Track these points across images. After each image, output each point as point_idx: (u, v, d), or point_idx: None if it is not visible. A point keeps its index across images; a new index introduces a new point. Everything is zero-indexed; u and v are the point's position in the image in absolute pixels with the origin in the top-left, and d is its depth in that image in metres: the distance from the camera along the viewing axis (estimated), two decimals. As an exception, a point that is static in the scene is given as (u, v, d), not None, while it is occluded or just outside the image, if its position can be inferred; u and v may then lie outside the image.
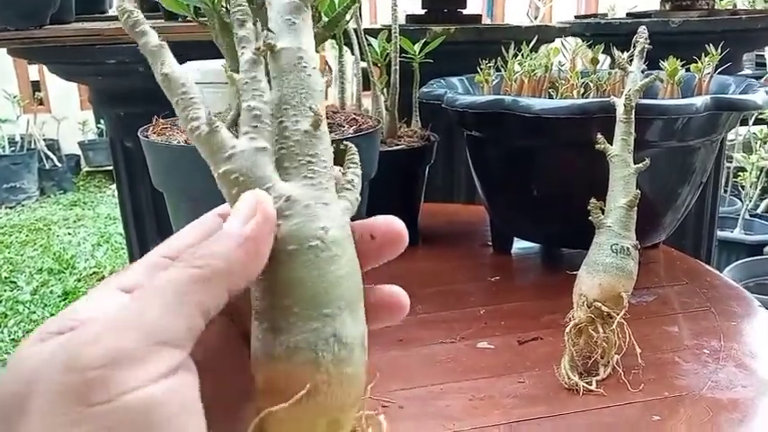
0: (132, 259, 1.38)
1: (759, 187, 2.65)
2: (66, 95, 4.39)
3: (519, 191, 0.80)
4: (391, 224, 0.27)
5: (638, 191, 0.60)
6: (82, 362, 0.19)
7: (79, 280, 2.77)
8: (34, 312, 2.46)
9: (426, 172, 0.95)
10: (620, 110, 0.63)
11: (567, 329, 0.58)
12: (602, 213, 0.61)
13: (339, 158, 0.30)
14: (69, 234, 3.38)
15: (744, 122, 2.64)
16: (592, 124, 0.68)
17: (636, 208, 0.60)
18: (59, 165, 4.17)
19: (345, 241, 0.26)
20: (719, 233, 2.19)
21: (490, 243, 0.93)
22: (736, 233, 2.46)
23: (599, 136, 0.63)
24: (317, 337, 0.24)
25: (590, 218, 0.61)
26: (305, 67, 0.28)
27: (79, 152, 4.49)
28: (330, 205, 0.27)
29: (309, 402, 0.24)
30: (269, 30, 0.28)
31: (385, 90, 0.90)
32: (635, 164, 0.61)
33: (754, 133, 2.66)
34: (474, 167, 0.86)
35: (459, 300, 0.75)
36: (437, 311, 0.72)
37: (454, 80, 0.90)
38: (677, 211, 0.82)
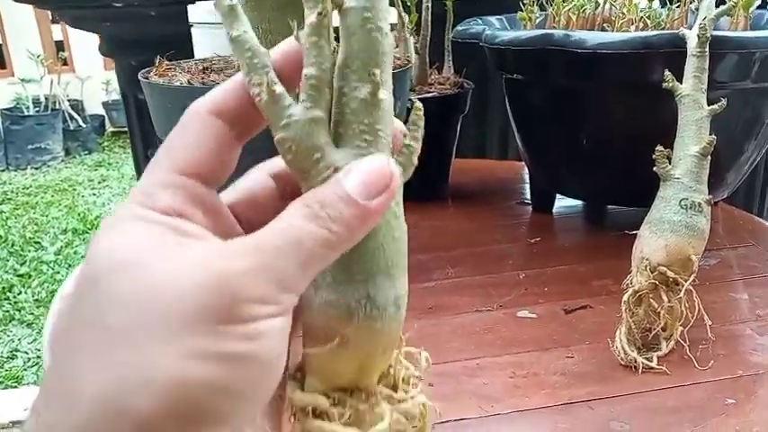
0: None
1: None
2: (89, 55, 4.34)
3: (566, 141, 0.71)
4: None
5: (714, 136, 0.51)
6: (231, 287, 0.21)
7: (104, 240, 2.75)
8: (58, 272, 2.45)
9: (459, 123, 0.86)
10: (692, 42, 0.53)
11: (625, 297, 0.50)
12: (670, 163, 0.52)
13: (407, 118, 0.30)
14: (94, 195, 3.36)
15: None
16: (655, 61, 0.59)
17: (709, 157, 0.51)
18: (84, 125, 4.15)
19: (390, 210, 0.27)
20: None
21: (528, 201, 0.85)
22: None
23: (667, 73, 0.54)
24: (351, 297, 0.27)
25: (655, 168, 0.52)
26: (371, 27, 0.27)
27: (103, 112, 4.46)
28: None
29: (340, 350, 0.27)
30: None
31: (415, 32, 0.82)
32: (708, 105, 0.52)
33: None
34: (513, 116, 0.77)
35: (496, 263, 0.68)
36: (471, 275, 0.65)
37: (492, 19, 0.80)
38: (741, 167, 0.73)
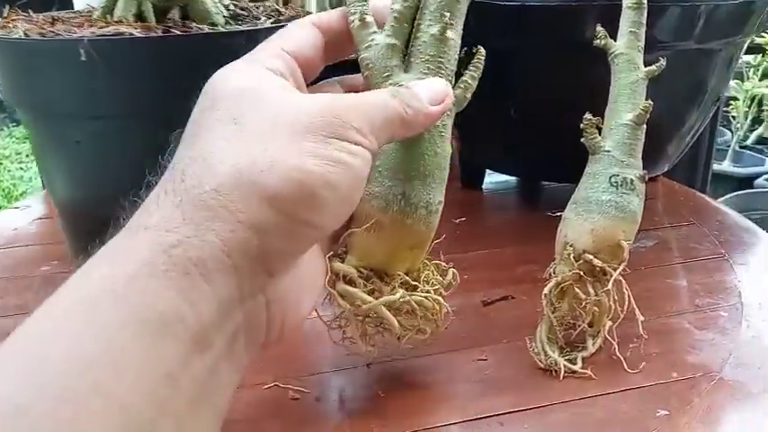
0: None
1: (750, 118, 2.50)
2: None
3: (491, 109, 0.63)
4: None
5: (650, 102, 0.44)
6: (339, 113, 0.29)
7: (29, 216, 2.59)
8: (-23, 251, 2.29)
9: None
10: (626, -9, 0.46)
11: (546, 290, 0.43)
12: (599, 133, 0.45)
13: (467, 61, 0.38)
14: (21, 169, 3.17)
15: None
16: (589, 16, 0.52)
17: (645, 126, 0.44)
18: (13, 93, 3.90)
19: (435, 129, 0.36)
20: (707, 166, 2.05)
21: (457, 177, 0.77)
22: (725, 165, 2.33)
23: (599, 28, 0.46)
24: (389, 192, 0.36)
25: (582, 139, 0.45)
26: None
27: (34, 80, 4.21)
28: None
29: (375, 234, 0.36)
30: None
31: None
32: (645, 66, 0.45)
33: (748, 62, 2.49)
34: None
35: (413, 246, 0.60)
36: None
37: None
38: (683, 138, 0.67)
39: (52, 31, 0.44)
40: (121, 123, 0.45)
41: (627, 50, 0.46)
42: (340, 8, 0.36)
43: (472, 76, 0.38)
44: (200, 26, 0.47)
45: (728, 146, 2.37)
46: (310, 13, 0.72)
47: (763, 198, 2.00)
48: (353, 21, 0.35)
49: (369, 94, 0.32)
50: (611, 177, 0.43)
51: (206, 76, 0.44)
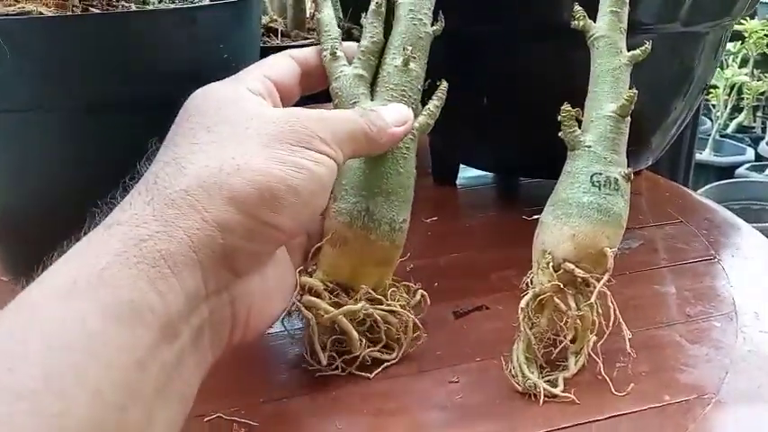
0: None
1: (729, 106, 2.48)
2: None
3: (464, 99, 0.58)
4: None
5: (635, 90, 0.39)
6: (306, 124, 0.32)
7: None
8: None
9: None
10: (608, -33, 0.41)
11: (523, 303, 0.38)
12: (579, 127, 0.40)
13: (431, 92, 0.43)
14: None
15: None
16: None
17: (629, 119, 0.40)
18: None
19: (398, 150, 0.40)
20: (688, 155, 2.02)
21: (430, 171, 0.72)
22: (706, 155, 2.31)
23: (577, 8, 0.42)
24: (354, 208, 0.39)
25: (560, 133, 0.40)
26: (413, 18, 0.41)
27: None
28: None
29: (341, 249, 0.39)
30: None
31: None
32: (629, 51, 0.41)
33: (728, 49, 2.46)
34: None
35: (380, 250, 0.55)
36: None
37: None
38: (668, 130, 0.63)
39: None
40: (36, 117, 0.39)
41: (608, 33, 0.41)
42: (315, 46, 0.41)
43: (435, 105, 0.42)
44: (127, 4, 0.42)
45: (708, 135, 2.35)
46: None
47: (745, 188, 1.98)
48: (326, 54, 0.41)
49: (337, 111, 0.37)
50: (592, 176, 0.39)
51: (134, 59, 0.39)
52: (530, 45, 0.53)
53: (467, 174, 0.71)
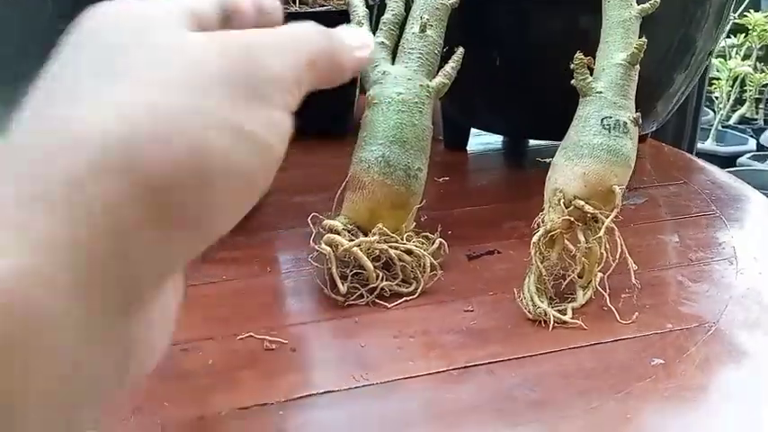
0: None
1: (732, 97, 2.50)
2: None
3: (477, 63, 0.60)
4: None
5: (645, 40, 0.41)
6: (261, 60, 0.20)
7: None
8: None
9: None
10: (619, -75, 0.44)
11: (535, 238, 0.41)
12: (591, 75, 0.43)
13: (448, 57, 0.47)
14: None
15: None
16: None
17: (638, 67, 0.42)
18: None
19: (413, 104, 0.44)
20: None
21: (441, 137, 0.74)
22: (708, 144, 2.33)
23: (588, -38, 0.44)
24: (372, 155, 0.43)
25: (573, 81, 0.43)
26: None
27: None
28: (412, 80, 0.45)
29: (361, 193, 0.43)
30: None
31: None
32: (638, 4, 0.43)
33: (732, 42, 2.48)
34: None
35: (396, 203, 0.58)
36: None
37: None
38: (673, 95, 0.65)
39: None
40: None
41: (620, -12, 0.43)
42: None
43: (452, 67, 0.47)
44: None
45: (711, 125, 2.37)
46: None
47: (747, 176, 2.00)
48: (352, 26, 0.46)
49: (291, 27, 0.22)
50: (603, 120, 0.41)
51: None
52: (541, 7, 0.56)
53: (477, 140, 0.74)
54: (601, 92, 0.42)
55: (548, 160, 0.43)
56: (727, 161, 2.20)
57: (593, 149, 0.41)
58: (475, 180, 0.66)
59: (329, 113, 0.75)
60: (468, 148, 0.73)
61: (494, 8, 0.57)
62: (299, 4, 0.68)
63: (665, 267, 0.47)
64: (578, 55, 0.42)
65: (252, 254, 0.49)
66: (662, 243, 0.51)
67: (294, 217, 0.56)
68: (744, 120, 2.57)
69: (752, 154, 2.22)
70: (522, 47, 0.58)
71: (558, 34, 0.55)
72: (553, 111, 0.58)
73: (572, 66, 0.42)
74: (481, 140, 0.74)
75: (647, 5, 0.43)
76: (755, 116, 2.63)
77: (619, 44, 0.42)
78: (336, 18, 0.69)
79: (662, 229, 0.53)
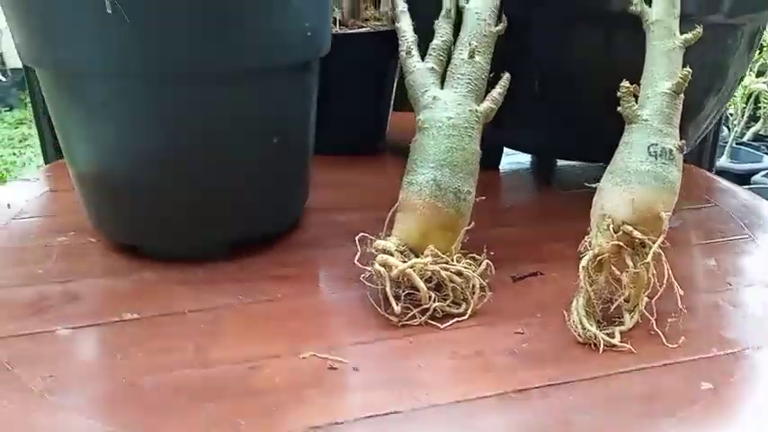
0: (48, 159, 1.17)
1: (746, 114, 2.51)
2: None
3: (515, 85, 0.62)
4: None
5: (689, 69, 0.43)
6: None
7: (22, 203, 2.55)
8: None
9: (397, 68, 0.76)
10: (665, -41, 0.45)
11: (584, 262, 0.42)
12: (636, 102, 0.44)
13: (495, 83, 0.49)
14: (14, 155, 3.12)
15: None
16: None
17: (682, 96, 0.44)
18: (4, 79, 3.85)
19: (463, 129, 0.46)
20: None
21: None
22: (723, 161, 2.33)
23: (635, -5, 0.45)
24: (423, 178, 0.45)
25: (619, 108, 0.44)
26: (478, 19, 0.49)
27: (26, 67, 4.15)
28: (462, 105, 0.47)
29: (412, 215, 0.45)
30: None
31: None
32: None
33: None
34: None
35: (435, 223, 0.59)
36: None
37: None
38: (703, 120, 0.66)
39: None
40: (150, 82, 0.43)
41: (663, 17, 0.45)
42: None
43: (499, 92, 0.49)
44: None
45: (725, 142, 2.37)
46: None
47: (762, 194, 2.00)
48: (402, 53, 0.50)
49: None
50: (649, 147, 0.42)
51: (234, 32, 0.43)
52: (576, 31, 0.57)
53: (506, 159, 0.75)
54: (647, 119, 0.43)
55: (594, 185, 0.44)
56: (741, 179, 2.21)
57: (640, 176, 0.42)
58: (509, 199, 0.68)
59: (360, 131, 0.76)
60: (499, 166, 0.74)
61: (531, 33, 0.59)
62: (340, 26, 0.70)
63: (706, 291, 0.48)
64: (624, 83, 0.44)
65: (301, 272, 0.51)
66: (700, 266, 0.52)
67: (336, 235, 0.57)
68: (758, 137, 2.57)
69: (766, 172, 2.23)
70: (558, 70, 0.59)
71: (592, 58, 0.57)
72: (582, 131, 0.60)
73: (618, 94, 0.44)
74: (510, 160, 0.76)
75: (689, 36, 0.44)
76: (769, 132, 2.64)
77: (663, 73, 0.44)
78: (378, 39, 0.71)
79: (699, 253, 0.54)
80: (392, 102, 0.79)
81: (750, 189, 2.09)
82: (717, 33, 0.58)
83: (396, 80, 0.77)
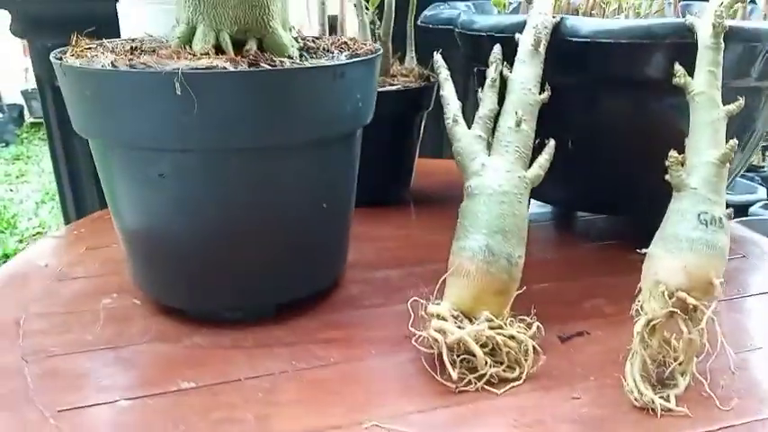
0: (68, 219, 1.19)
1: (739, 146, 2.55)
2: (6, 38, 4.03)
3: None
4: None
5: (735, 141, 0.44)
6: None
7: (21, 241, 2.54)
8: (-31, 277, 2.23)
9: (423, 121, 0.78)
10: (705, 32, 0.47)
11: (638, 327, 0.43)
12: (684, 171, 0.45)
13: (541, 149, 0.51)
14: (11, 191, 3.12)
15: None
16: (656, 53, 0.53)
17: (728, 165, 0.45)
18: (0, 115, 3.86)
19: (513, 195, 0.47)
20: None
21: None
22: (720, 194, 2.36)
23: (678, 67, 0.47)
24: (476, 244, 0.46)
25: (667, 176, 0.45)
26: (522, 88, 0.51)
27: (22, 102, 4.16)
28: (510, 172, 0.48)
29: (465, 280, 0.45)
30: (508, 66, 0.53)
31: (377, 16, 0.73)
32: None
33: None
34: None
35: (473, 279, 0.60)
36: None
37: (460, 4, 0.72)
38: (729, 176, 0.68)
39: (143, 63, 0.43)
40: (207, 157, 0.45)
41: (706, 89, 0.47)
42: None
43: (546, 159, 0.50)
44: (281, 59, 0.47)
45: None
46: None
47: (759, 226, 2.03)
48: (448, 121, 0.51)
49: None
50: (699, 215, 0.44)
51: (295, 108, 0.45)
52: (611, 95, 0.59)
53: (530, 210, 0.76)
54: (695, 188, 0.44)
55: (645, 251, 0.46)
56: (738, 210, 2.24)
57: (692, 243, 0.43)
58: (539, 253, 0.69)
59: (388, 184, 0.77)
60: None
61: (573, 92, 0.60)
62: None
63: (751, 349, 0.49)
64: (672, 153, 0.45)
65: (349, 334, 0.51)
66: (742, 321, 0.53)
67: (377, 293, 0.58)
68: (752, 167, 2.61)
69: (763, 203, 2.26)
70: (595, 130, 0.61)
71: (628, 120, 0.58)
72: (610, 189, 0.62)
73: (667, 163, 0.45)
74: (534, 210, 0.77)
75: (732, 107, 0.46)
76: (762, 163, 2.68)
77: (709, 143, 0.45)
78: (409, 96, 0.73)
79: (738, 307, 0.55)
80: (416, 153, 0.80)
81: (749, 221, 2.11)
82: (746, 95, 0.60)
83: (421, 132, 0.79)
